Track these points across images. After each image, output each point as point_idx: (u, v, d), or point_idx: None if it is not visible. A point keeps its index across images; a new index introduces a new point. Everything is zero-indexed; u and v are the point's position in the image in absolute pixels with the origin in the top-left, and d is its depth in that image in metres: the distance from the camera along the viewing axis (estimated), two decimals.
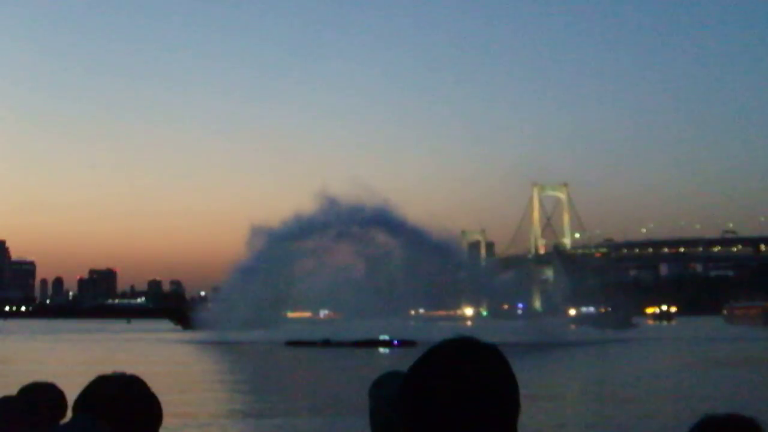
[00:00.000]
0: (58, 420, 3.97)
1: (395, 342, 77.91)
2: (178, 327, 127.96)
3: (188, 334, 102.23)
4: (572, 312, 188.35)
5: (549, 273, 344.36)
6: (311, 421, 28.30)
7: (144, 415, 3.25)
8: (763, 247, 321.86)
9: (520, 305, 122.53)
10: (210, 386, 41.12)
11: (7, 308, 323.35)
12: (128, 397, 3.25)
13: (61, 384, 4.33)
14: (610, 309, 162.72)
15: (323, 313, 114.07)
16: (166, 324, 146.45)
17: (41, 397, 4.13)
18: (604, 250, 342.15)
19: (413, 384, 2.03)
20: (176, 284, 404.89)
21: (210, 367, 55.62)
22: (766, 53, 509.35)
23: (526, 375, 36.85)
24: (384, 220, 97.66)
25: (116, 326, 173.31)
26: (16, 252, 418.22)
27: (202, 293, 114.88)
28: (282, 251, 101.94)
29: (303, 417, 29.30)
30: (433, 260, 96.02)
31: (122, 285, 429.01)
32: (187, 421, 24.64)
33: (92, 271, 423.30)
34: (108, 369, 3.49)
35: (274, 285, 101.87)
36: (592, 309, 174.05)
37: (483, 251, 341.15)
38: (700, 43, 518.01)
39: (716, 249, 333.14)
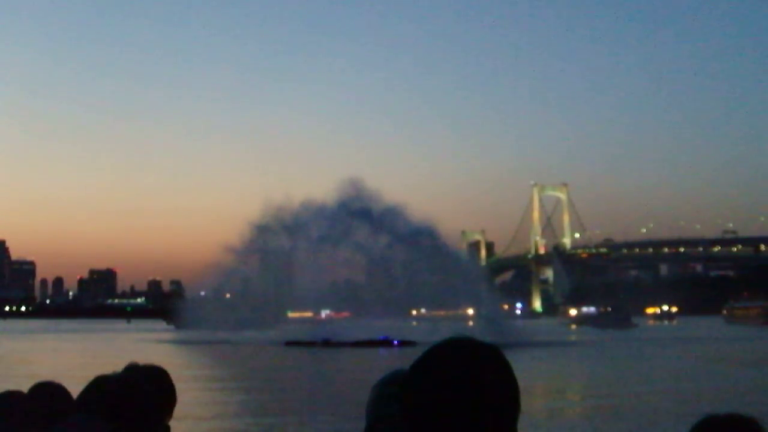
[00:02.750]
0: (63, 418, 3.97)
1: (395, 342, 77.62)
2: (171, 326, 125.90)
3: (180, 334, 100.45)
4: (573, 312, 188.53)
5: (549, 273, 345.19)
6: (309, 421, 28.26)
7: (143, 414, 3.24)
8: (763, 247, 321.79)
9: (519, 305, 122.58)
10: (200, 390, 40.96)
11: (7, 308, 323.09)
12: (128, 396, 3.22)
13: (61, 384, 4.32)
14: (610, 309, 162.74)
15: (325, 313, 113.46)
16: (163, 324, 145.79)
17: (48, 396, 4.12)
18: (604, 250, 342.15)
19: (413, 383, 2.03)
20: (176, 284, 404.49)
21: (201, 370, 55.12)
22: (766, 54, 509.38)
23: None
24: (381, 219, 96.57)
25: (116, 326, 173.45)
26: (16, 252, 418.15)
27: (202, 293, 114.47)
28: (259, 247, 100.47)
29: (296, 417, 29.27)
30: (431, 260, 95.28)
31: (122, 285, 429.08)
32: (179, 424, 24.61)
33: (92, 271, 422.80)
34: (107, 369, 3.50)
35: (267, 283, 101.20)
36: (593, 309, 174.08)
37: (483, 251, 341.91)
38: (699, 44, 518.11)
39: (716, 249, 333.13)
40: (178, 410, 3.85)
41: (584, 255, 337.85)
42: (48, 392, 4.12)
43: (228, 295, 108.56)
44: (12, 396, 3.98)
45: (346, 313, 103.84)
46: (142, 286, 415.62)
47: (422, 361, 2.06)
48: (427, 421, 1.98)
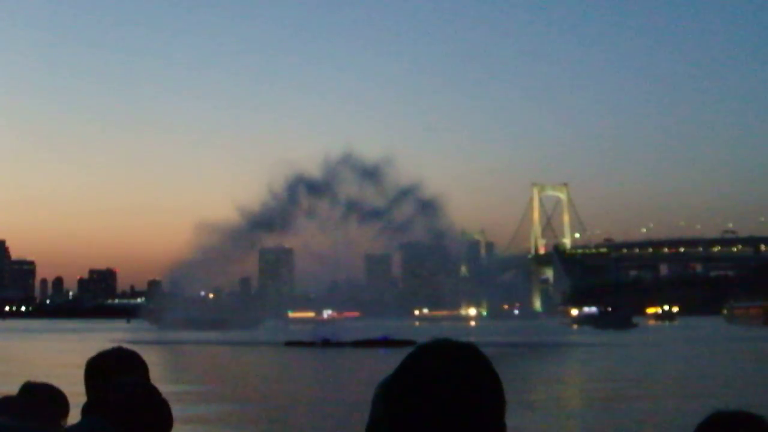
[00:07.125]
0: (58, 419, 3.96)
1: (384, 338, 76.74)
2: (155, 326, 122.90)
3: (163, 335, 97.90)
4: (574, 312, 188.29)
5: (549, 273, 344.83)
6: (308, 422, 28.21)
7: (154, 420, 3.25)
8: (763, 247, 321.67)
9: (517, 305, 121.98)
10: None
11: (7, 308, 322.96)
12: (138, 401, 3.24)
13: (62, 384, 4.28)
14: (610, 309, 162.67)
15: (327, 313, 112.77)
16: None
17: (41, 396, 4.08)
18: (604, 250, 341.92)
19: (395, 387, 2.03)
20: (176, 284, 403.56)
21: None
22: (766, 54, 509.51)
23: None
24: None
25: (116, 326, 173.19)
26: (16, 252, 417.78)
27: (202, 293, 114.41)
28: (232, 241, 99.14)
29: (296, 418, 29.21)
30: (432, 258, 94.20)
31: (122, 285, 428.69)
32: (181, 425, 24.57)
33: (92, 271, 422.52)
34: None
35: (265, 283, 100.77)
36: (593, 309, 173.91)
37: (483, 251, 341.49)
38: (698, 44, 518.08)
39: (716, 249, 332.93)
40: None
41: (588, 255, 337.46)
42: (41, 393, 4.08)
43: (211, 295, 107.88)
44: (6, 400, 3.97)
45: (355, 313, 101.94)
46: (142, 286, 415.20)
47: (403, 365, 2.06)
48: (410, 424, 1.97)
